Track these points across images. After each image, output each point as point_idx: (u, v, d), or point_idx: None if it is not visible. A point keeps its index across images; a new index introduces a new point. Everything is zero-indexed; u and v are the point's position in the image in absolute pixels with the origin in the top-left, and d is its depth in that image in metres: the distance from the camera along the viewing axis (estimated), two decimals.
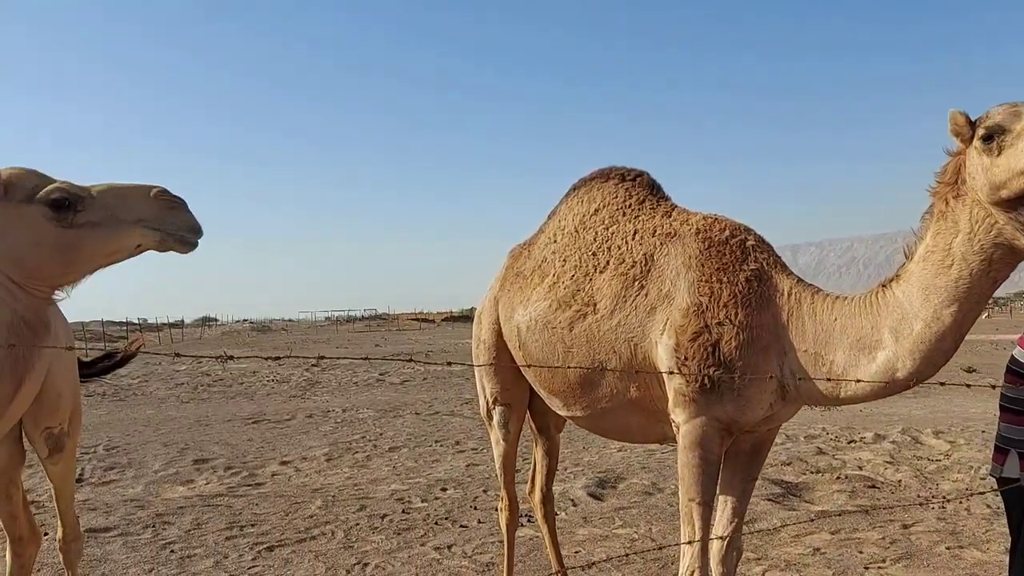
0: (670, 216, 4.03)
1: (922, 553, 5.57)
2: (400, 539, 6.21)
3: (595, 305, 3.91)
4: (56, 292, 2.53)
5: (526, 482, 5.26)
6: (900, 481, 7.82)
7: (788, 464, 8.62)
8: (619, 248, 4.01)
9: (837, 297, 3.40)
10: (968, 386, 3.27)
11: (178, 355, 2.85)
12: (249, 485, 8.16)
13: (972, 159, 2.92)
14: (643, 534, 6.26)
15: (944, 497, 6.97)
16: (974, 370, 17.85)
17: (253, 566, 5.60)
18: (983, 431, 10.03)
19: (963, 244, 2.94)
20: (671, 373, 3.51)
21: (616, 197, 4.22)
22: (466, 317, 72.16)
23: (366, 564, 5.63)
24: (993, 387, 3.50)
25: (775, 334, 3.44)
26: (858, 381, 3.21)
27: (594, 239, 4.13)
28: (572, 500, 7.31)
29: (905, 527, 6.16)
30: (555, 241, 4.35)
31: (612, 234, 4.09)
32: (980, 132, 2.86)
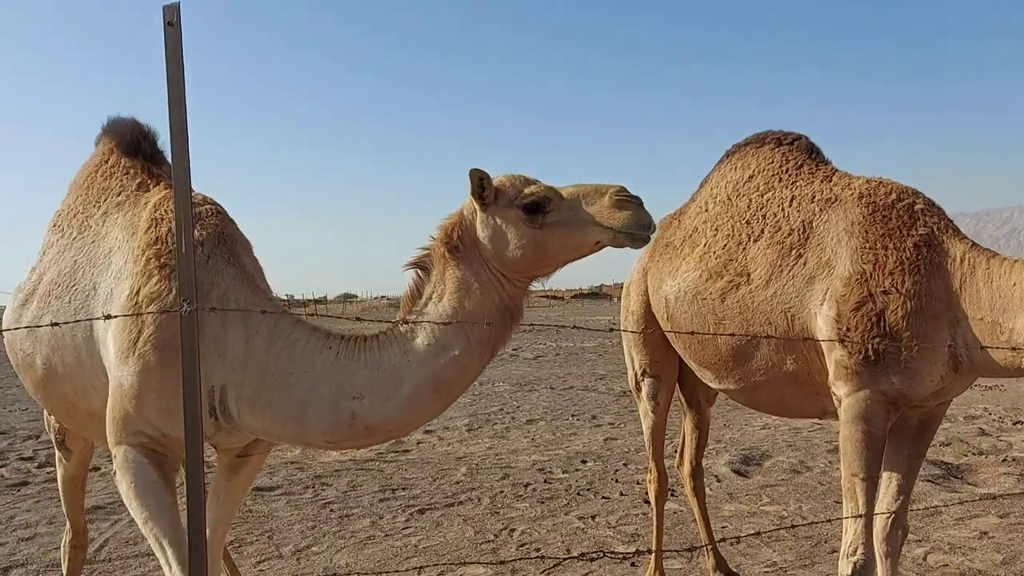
0: (830, 181, 3.87)
1: None
2: (544, 507, 6.33)
3: (749, 275, 3.83)
4: (532, 282, 2.81)
5: (671, 456, 5.24)
6: None
7: (947, 445, 8.17)
8: (775, 215, 3.89)
9: (1016, 261, 3.20)
10: None
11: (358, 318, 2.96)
12: (397, 451, 8.51)
13: None
14: (792, 512, 6.12)
15: None
16: None
17: (407, 527, 5.85)
18: None
19: None
20: (833, 342, 3.41)
21: (772, 162, 4.08)
22: (595, 294, 71.93)
23: (512, 530, 5.77)
24: None
25: (946, 302, 3.28)
26: None
27: (748, 206, 4.01)
28: (716, 476, 7.22)
29: None
30: (706, 210, 4.25)
31: (767, 201, 3.96)
32: None
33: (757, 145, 4.22)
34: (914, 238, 3.40)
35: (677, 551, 4.93)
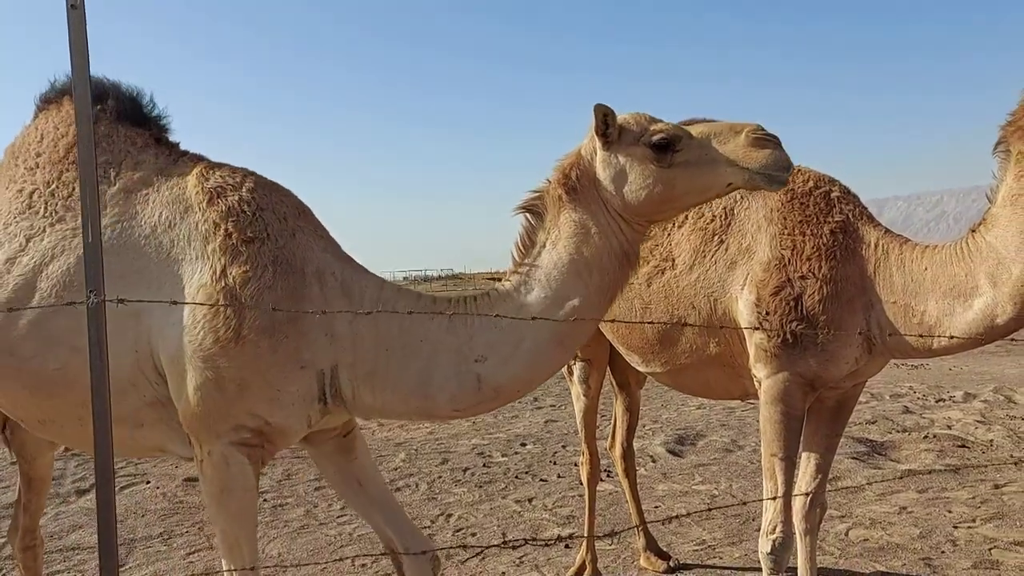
0: None
1: (1015, 513, 5.41)
2: (482, 492, 6.37)
3: (673, 260, 3.89)
4: (651, 227, 2.68)
5: (606, 438, 5.31)
6: (992, 441, 7.57)
7: (873, 423, 8.44)
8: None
9: (926, 247, 3.31)
10: None
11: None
12: None
13: None
14: (723, 490, 6.26)
15: None
16: None
17: (342, 515, 5.82)
18: None
19: None
20: (753, 328, 3.49)
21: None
22: None
23: (450, 515, 5.79)
24: None
25: (861, 287, 3.38)
26: (951, 338, 3.13)
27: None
28: (651, 456, 7.34)
29: (997, 487, 5.99)
30: None
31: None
32: None
33: None
34: (830, 225, 3.49)
35: (608, 535, 4.99)
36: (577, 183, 2.62)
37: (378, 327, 2.60)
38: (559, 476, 6.75)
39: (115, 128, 2.94)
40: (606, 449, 5.29)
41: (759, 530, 5.01)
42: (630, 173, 2.56)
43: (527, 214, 2.70)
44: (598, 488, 5.74)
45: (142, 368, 2.59)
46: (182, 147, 3.03)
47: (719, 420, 8.80)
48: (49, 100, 3.11)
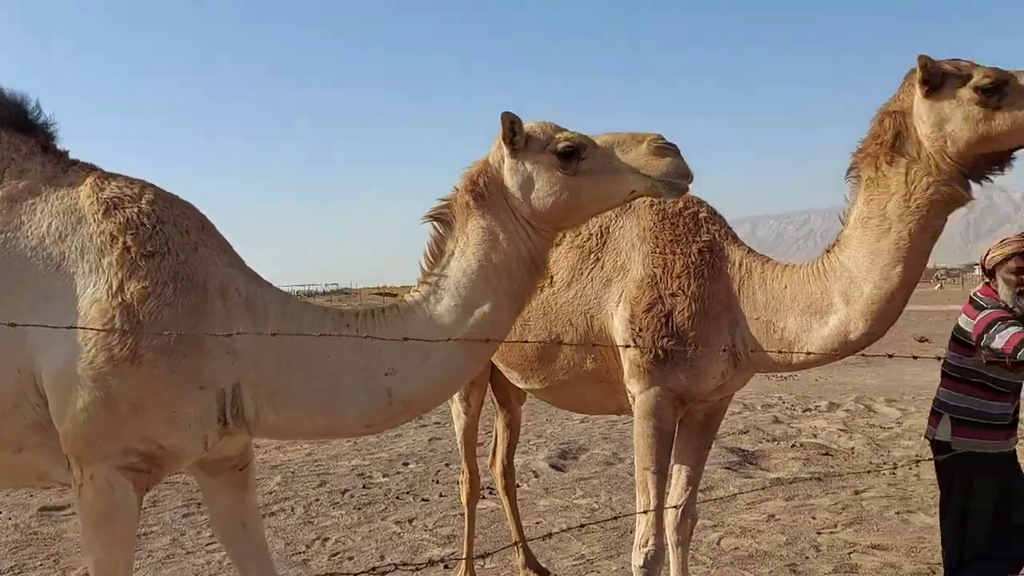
0: None
1: (872, 518, 5.72)
2: (361, 514, 6.22)
3: (552, 278, 3.92)
4: (558, 234, 2.73)
5: (488, 455, 5.29)
6: (853, 448, 8.00)
7: (745, 432, 8.77)
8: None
9: (786, 266, 3.46)
10: (915, 357, 3.37)
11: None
12: None
13: (943, 110, 2.94)
14: (603, 503, 6.35)
15: (895, 463, 7.14)
16: (927, 340, 18.28)
17: (211, 543, 5.55)
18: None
19: (899, 207, 3.02)
20: (626, 346, 3.55)
21: None
22: None
23: (326, 539, 5.62)
24: (939, 359, 3.61)
25: (727, 304, 3.49)
26: (808, 353, 3.28)
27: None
28: (534, 472, 7.37)
29: (857, 493, 6.32)
30: None
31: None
32: (982, 83, 2.87)
33: None
34: (699, 244, 3.60)
35: (483, 556, 4.95)
36: (485, 190, 2.64)
37: (282, 343, 2.53)
38: (441, 495, 6.68)
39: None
40: (488, 467, 5.27)
41: None
42: (537, 180, 2.60)
43: (435, 223, 2.70)
44: (480, 506, 5.72)
45: (24, 388, 2.43)
46: (71, 155, 2.84)
47: (601, 433, 8.94)
48: None
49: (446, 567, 5.06)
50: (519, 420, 5.21)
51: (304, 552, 5.38)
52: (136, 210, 2.56)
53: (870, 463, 7.37)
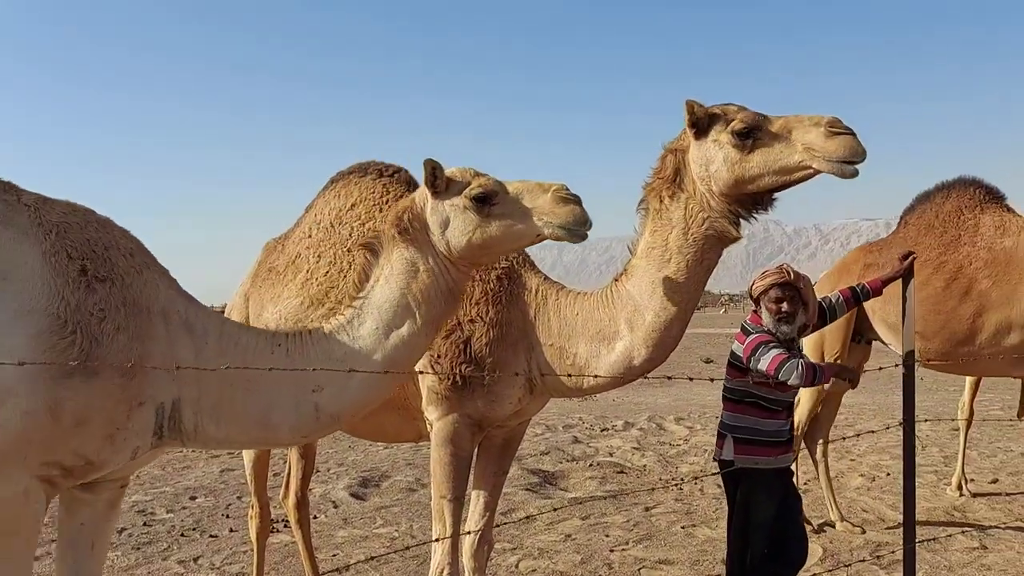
0: None
1: (660, 533, 6.00)
2: (139, 554, 5.72)
3: None
4: (473, 268, 2.99)
5: (282, 487, 5.05)
6: (645, 466, 8.40)
7: (546, 453, 8.97)
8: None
9: (579, 293, 3.56)
10: (690, 379, 3.57)
11: None
12: None
13: (708, 152, 3.17)
14: (404, 532, 6.23)
15: (681, 479, 7.57)
16: (712, 360, 19.69)
17: None
18: (717, 417, 10.97)
19: (678, 239, 3.22)
20: (424, 373, 3.51)
21: (373, 192, 4.10)
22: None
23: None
24: (712, 380, 3.84)
25: (523, 330, 3.54)
26: (596, 377, 3.38)
27: (350, 235, 4.00)
28: (333, 502, 7.13)
29: (647, 509, 6.62)
30: (310, 236, 4.16)
31: (368, 231, 3.96)
32: (736, 127, 3.10)
33: (360, 175, 4.21)
34: (497, 271, 3.63)
35: None
36: (409, 225, 2.90)
37: (221, 362, 2.66)
38: (231, 530, 6.29)
39: None
40: (281, 499, 5.03)
41: None
42: (453, 221, 2.86)
43: (366, 251, 2.96)
44: (273, 540, 5.45)
45: None
46: None
47: (405, 459, 8.82)
48: None
49: None
50: (315, 450, 5.02)
51: None
52: (88, 237, 2.60)
53: (659, 479, 7.76)
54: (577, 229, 2.83)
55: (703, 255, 3.21)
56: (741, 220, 3.21)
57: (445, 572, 3.56)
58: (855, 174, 3.03)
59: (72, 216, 2.65)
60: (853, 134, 3.02)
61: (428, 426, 3.69)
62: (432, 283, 2.85)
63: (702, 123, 3.18)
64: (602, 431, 10.47)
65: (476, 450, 4.03)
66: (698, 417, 11.27)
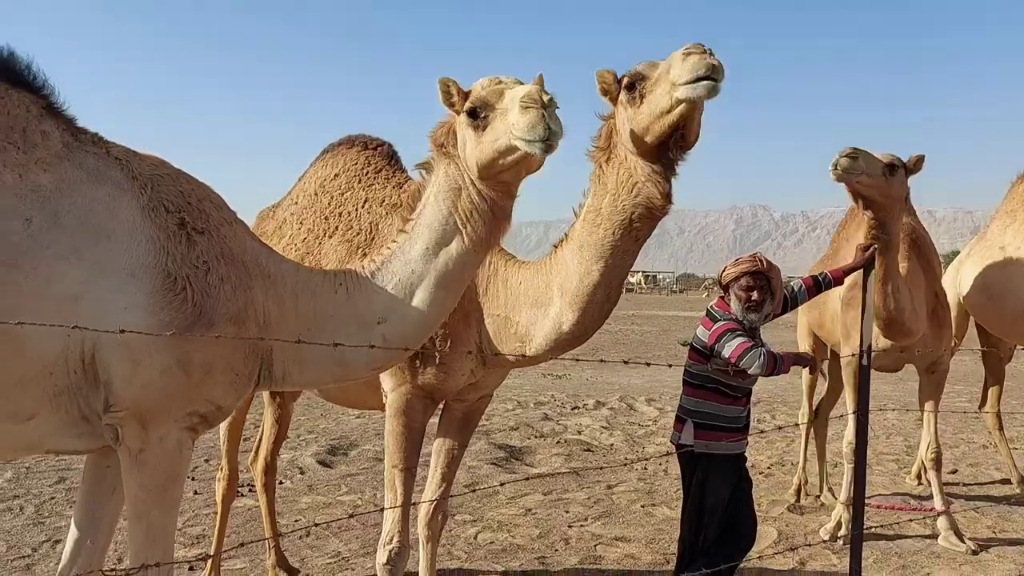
0: (400, 188, 4.05)
1: (620, 511, 6.08)
2: None
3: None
4: (507, 188, 2.78)
5: (251, 451, 5.08)
6: (612, 445, 8.49)
7: (515, 429, 9.05)
8: (348, 215, 4.02)
9: (524, 263, 3.59)
10: (648, 364, 3.62)
11: None
12: None
13: (620, 115, 3.13)
14: (367, 500, 6.29)
15: (645, 459, 7.66)
16: (688, 343, 19.80)
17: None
18: None
19: (609, 205, 3.17)
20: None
21: (356, 164, 4.21)
22: None
23: (58, 541, 5.14)
24: (670, 366, 3.89)
25: (475, 302, 3.56)
26: (534, 344, 3.38)
27: (329, 203, 4.11)
28: (300, 468, 7.18)
29: (609, 487, 6.70)
30: (296, 203, 4.30)
31: (346, 200, 4.09)
32: (625, 82, 3.05)
33: (347, 146, 4.37)
34: None
35: (233, 548, 4.74)
36: (445, 141, 2.84)
37: (298, 309, 2.78)
38: (196, 492, 6.32)
39: (6, 90, 2.55)
40: (249, 463, 5.07)
41: None
42: (461, 138, 2.79)
43: (422, 169, 2.96)
44: (236, 504, 5.48)
45: (68, 354, 2.40)
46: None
47: (375, 429, 8.85)
48: None
49: (191, 568, 4.80)
50: (289, 416, 5.06)
51: (30, 556, 4.89)
52: (181, 189, 2.66)
53: (625, 459, 7.85)
54: (532, 140, 2.54)
55: (631, 223, 3.14)
56: (671, 181, 3.12)
57: (395, 540, 3.61)
58: (711, 90, 2.79)
59: (161, 168, 2.70)
60: (704, 52, 2.81)
61: (384, 397, 3.73)
62: (472, 201, 2.76)
63: (612, 91, 3.15)
64: (572, 409, 10.55)
65: (438, 423, 4.10)
66: (669, 399, 11.35)
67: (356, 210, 4.02)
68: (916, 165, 4.67)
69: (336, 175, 4.22)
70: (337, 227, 4.01)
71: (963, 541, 5.27)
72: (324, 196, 4.17)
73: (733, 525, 3.90)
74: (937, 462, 5.53)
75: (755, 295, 3.79)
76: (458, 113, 2.79)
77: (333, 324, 2.80)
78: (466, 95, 2.78)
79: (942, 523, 5.38)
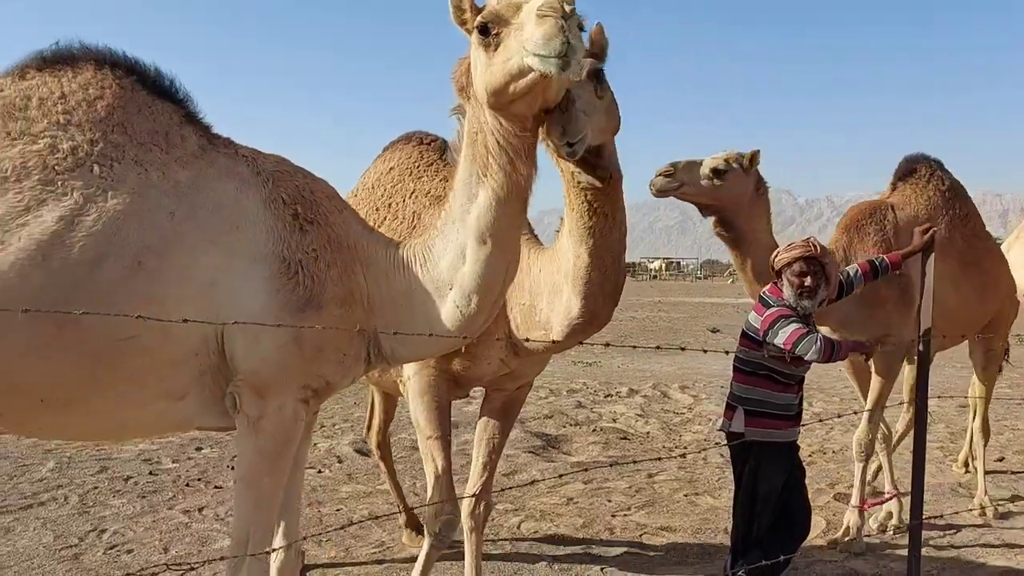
0: (447, 181, 4.05)
1: (663, 500, 6.01)
2: (145, 502, 5.76)
3: None
4: (523, 123, 2.58)
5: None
6: (648, 433, 8.41)
7: (550, 417, 8.99)
8: (395, 205, 4.09)
9: (544, 249, 3.61)
10: (704, 351, 3.55)
11: None
12: None
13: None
14: (407, 488, 6.24)
15: (685, 449, 7.57)
16: (718, 330, 19.63)
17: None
18: (722, 386, 11.01)
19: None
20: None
21: (410, 158, 4.29)
22: None
23: (103, 531, 5.16)
24: (727, 353, 3.81)
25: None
26: (529, 341, 3.43)
27: (381, 195, 4.21)
28: (338, 457, 7.18)
29: (650, 476, 6.62)
30: (355, 195, 4.41)
31: (395, 192, 4.17)
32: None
33: (404, 142, 4.50)
34: None
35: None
36: (464, 81, 2.71)
37: (391, 287, 2.88)
38: (235, 481, 6.32)
39: (147, 98, 2.84)
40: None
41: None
42: (474, 61, 2.58)
43: (460, 116, 2.83)
44: (346, 487, 5.46)
45: (208, 338, 2.62)
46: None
47: (409, 418, 8.81)
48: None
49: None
50: (395, 400, 5.39)
51: (76, 546, 4.90)
52: (296, 183, 2.85)
53: (663, 447, 7.77)
54: (547, 56, 2.21)
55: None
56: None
57: (445, 509, 3.67)
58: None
59: (282, 165, 2.92)
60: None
61: (402, 386, 3.78)
62: (486, 146, 2.63)
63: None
64: (606, 397, 10.47)
65: (478, 413, 4.12)
66: (703, 386, 11.26)
67: (404, 200, 4.09)
68: (752, 161, 4.48)
69: (391, 169, 4.32)
70: (385, 217, 4.08)
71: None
72: (379, 188, 4.29)
73: (786, 514, 3.82)
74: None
75: (808, 281, 3.69)
76: (469, 33, 2.56)
77: (419, 297, 2.87)
78: (479, 11, 2.52)
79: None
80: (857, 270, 4.04)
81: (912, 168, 5.53)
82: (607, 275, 3.21)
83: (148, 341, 2.53)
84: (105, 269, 2.50)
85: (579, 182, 3.09)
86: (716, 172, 4.39)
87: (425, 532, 3.73)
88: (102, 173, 2.60)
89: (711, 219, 4.53)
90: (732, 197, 4.43)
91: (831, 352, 3.55)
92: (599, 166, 3.04)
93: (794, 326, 3.58)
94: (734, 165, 4.43)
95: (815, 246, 3.75)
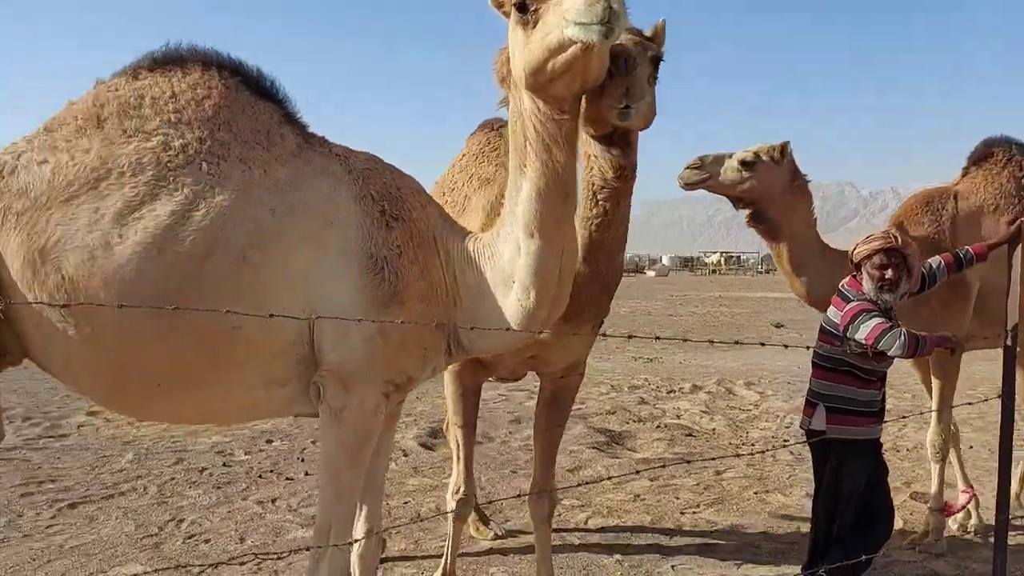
0: (501, 167, 4.08)
1: (732, 498, 5.93)
2: (220, 493, 5.91)
3: None
4: (563, 104, 2.52)
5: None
6: (714, 429, 8.30)
7: (612, 413, 8.94)
8: (455, 189, 4.18)
9: None
10: (762, 344, 3.51)
11: None
12: (51, 437, 7.50)
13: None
14: None
15: (752, 446, 7.45)
16: (782, 325, 19.28)
17: (52, 524, 5.14)
18: (789, 382, 10.83)
19: None
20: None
21: (479, 144, 4.35)
22: None
23: (181, 520, 5.31)
24: (808, 348, 3.73)
25: None
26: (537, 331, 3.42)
27: (450, 181, 4.31)
28: (403, 451, 7.24)
29: (718, 473, 6.53)
30: (437, 183, 4.53)
31: (459, 177, 4.24)
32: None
33: (480, 129, 4.54)
34: None
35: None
36: (504, 69, 2.74)
37: (466, 280, 2.90)
38: (307, 473, 6.44)
39: (250, 98, 2.94)
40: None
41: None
42: (512, 43, 2.52)
43: (507, 108, 2.79)
44: (411, 480, 5.54)
45: (303, 329, 2.71)
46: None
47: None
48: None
49: (308, 549, 4.87)
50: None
51: (157, 535, 5.05)
52: (384, 181, 2.91)
53: (730, 444, 7.66)
54: (589, 24, 2.14)
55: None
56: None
57: (461, 490, 4.04)
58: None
59: (372, 163, 2.98)
60: None
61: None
62: (525, 135, 2.60)
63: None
64: (668, 393, 10.37)
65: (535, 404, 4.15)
66: (769, 382, 11.07)
67: (462, 185, 4.16)
68: (782, 152, 4.46)
69: (463, 155, 4.40)
70: (447, 202, 4.12)
71: None
72: (450, 174, 4.38)
73: (868, 513, 3.73)
74: None
75: (889, 273, 3.59)
76: (507, 16, 2.50)
77: (489, 290, 2.88)
78: None
79: None
80: (940, 262, 3.91)
81: (989, 152, 5.07)
82: (593, 271, 3.31)
83: (251, 332, 2.64)
84: (213, 262, 2.62)
85: (600, 168, 3.06)
86: (745, 164, 4.41)
87: (447, 506, 4.09)
88: (210, 170, 2.72)
89: (745, 212, 4.57)
90: (763, 189, 4.47)
91: (915, 347, 3.45)
92: (625, 154, 3.01)
93: (876, 320, 3.49)
94: (764, 158, 4.41)
95: (896, 237, 3.65)
